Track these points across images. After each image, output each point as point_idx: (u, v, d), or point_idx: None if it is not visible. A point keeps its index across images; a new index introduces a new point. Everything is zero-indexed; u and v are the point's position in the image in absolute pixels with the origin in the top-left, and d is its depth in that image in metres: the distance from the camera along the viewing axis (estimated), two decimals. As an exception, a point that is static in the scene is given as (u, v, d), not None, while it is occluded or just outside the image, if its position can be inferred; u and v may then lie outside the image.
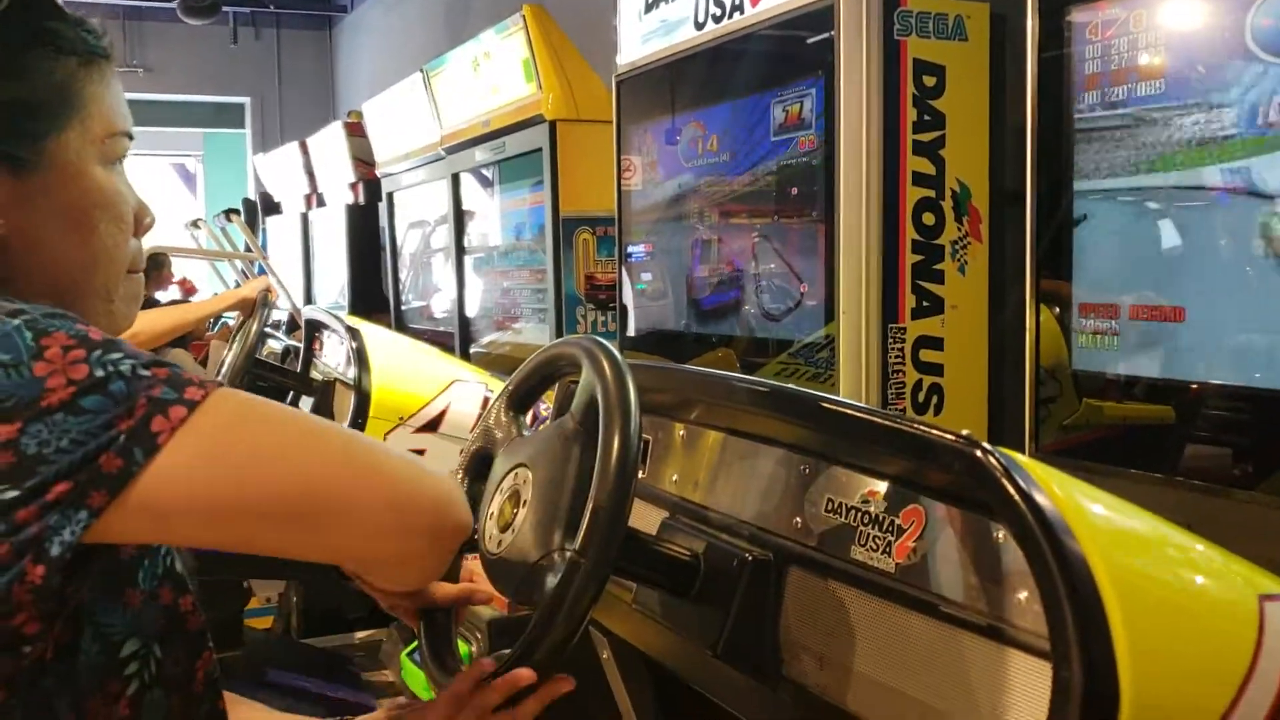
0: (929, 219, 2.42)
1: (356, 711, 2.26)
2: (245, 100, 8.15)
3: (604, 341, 1.00)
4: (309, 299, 5.94)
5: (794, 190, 2.54)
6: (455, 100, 4.24)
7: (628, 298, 3.25)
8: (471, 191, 4.38)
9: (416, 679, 1.75)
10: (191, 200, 8.89)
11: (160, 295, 6.05)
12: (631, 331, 3.29)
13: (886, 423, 0.90)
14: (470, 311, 4.45)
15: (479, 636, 1.64)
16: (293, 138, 6.28)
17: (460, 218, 4.41)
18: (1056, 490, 0.78)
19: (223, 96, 8.15)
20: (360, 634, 3.03)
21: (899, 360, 2.40)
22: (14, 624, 0.71)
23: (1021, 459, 0.81)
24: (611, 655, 1.45)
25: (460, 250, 4.41)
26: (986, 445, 0.80)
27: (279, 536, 0.80)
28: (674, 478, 1.19)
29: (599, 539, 0.87)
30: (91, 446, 0.70)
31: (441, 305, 4.78)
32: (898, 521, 0.90)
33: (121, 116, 0.89)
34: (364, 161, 5.34)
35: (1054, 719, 0.73)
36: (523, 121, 3.76)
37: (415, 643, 1.78)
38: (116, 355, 0.72)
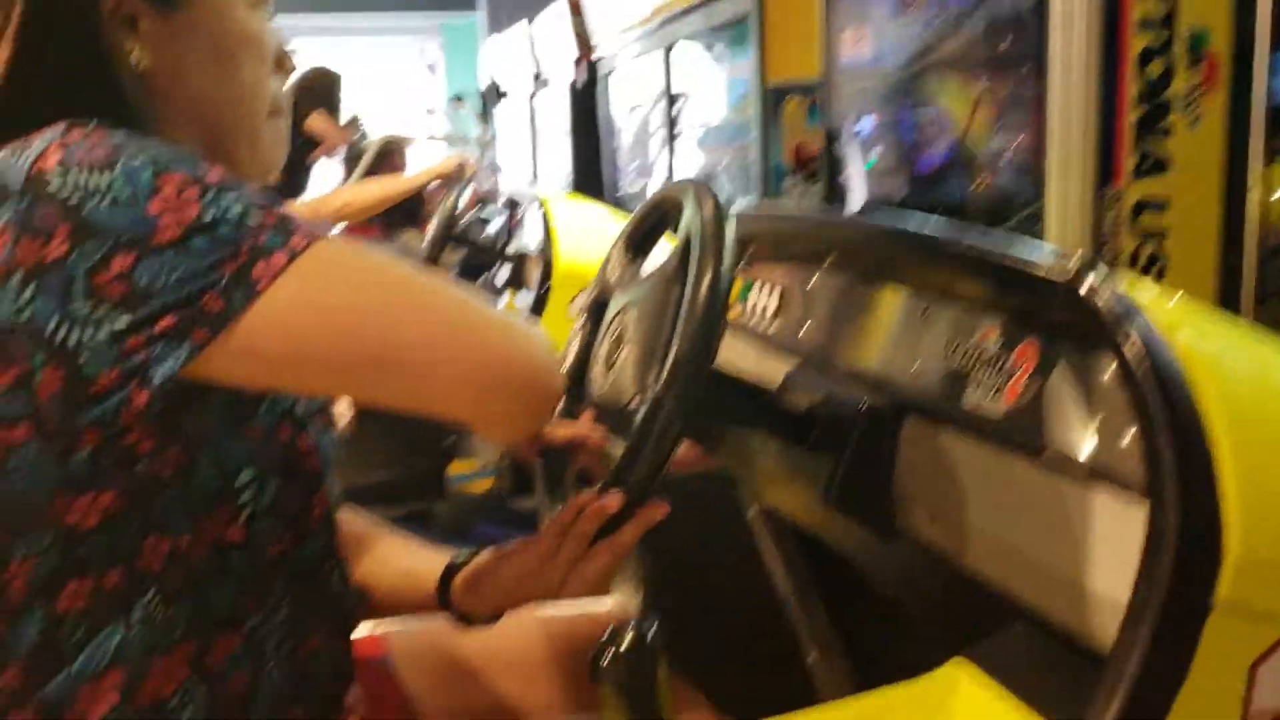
0: (1156, 69, 2.20)
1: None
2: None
3: (707, 184, 0.97)
4: (536, 182, 6.07)
5: (1005, 46, 2.37)
6: (666, -29, 4.16)
7: (851, 168, 3.15)
8: (683, 65, 4.32)
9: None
10: (429, 87, 9.18)
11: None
12: (847, 202, 3.19)
13: (997, 254, 0.82)
14: (682, 189, 4.42)
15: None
16: (525, 18, 6.35)
17: (671, 92, 4.37)
18: (1173, 327, 0.70)
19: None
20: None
21: (1115, 225, 2.22)
22: (126, 442, 0.76)
23: (1143, 294, 0.73)
24: (758, 512, 1.44)
25: (671, 125, 4.38)
26: (1096, 277, 0.72)
27: (372, 388, 0.81)
28: (803, 329, 1.14)
29: (681, 377, 0.85)
30: (197, 286, 0.72)
31: (655, 186, 4.78)
32: (1010, 362, 0.83)
33: None
34: (584, 40, 5.34)
35: (1147, 566, 0.66)
36: (730, -12, 3.66)
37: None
38: (228, 198, 0.74)
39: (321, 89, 5.26)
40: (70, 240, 0.71)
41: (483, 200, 3.20)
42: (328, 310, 0.76)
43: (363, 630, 1.10)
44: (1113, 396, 0.72)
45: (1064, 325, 0.77)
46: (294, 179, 5.35)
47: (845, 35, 3.04)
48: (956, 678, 0.77)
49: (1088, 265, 0.73)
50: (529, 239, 2.92)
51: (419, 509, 2.59)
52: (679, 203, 0.98)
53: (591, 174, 5.50)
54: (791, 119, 3.57)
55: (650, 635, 0.71)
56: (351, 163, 5.47)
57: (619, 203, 5.14)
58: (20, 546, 0.77)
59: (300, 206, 3.32)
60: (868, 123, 3.06)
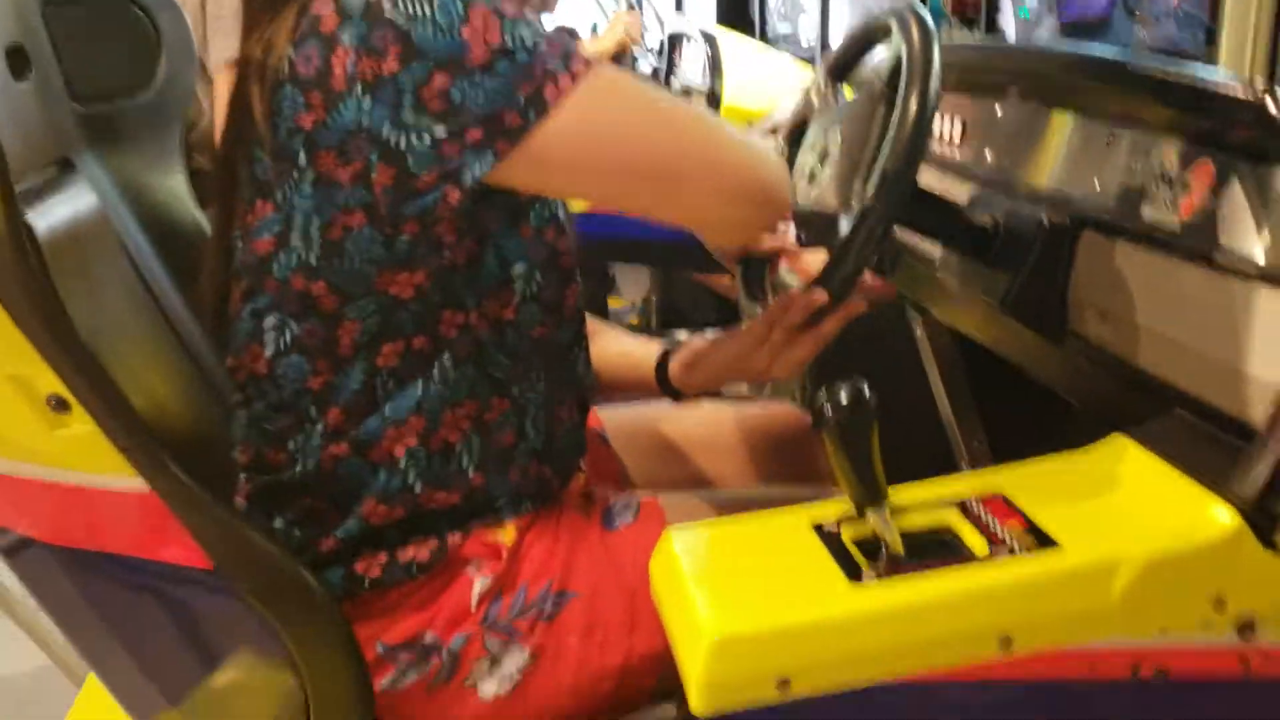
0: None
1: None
2: None
3: (919, 7, 1.06)
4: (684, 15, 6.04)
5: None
6: None
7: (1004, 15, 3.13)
8: (842, -96, 4.25)
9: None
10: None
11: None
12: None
13: (1182, 76, 0.91)
14: (833, 36, 4.40)
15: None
16: None
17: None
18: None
19: None
20: (709, 331, 3.30)
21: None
22: (435, 232, 0.92)
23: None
24: (923, 330, 1.56)
25: (826, -33, 4.33)
26: (1275, 86, 0.81)
27: (635, 195, 0.98)
28: (988, 154, 1.24)
29: (890, 185, 0.96)
30: (499, 104, 0.86)
31: (806, 30, 4.75)
32: (1187, 178, 0.93)
33: None
34: None
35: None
36: None
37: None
38: (523, 28, 0.87)
39: None
40: (400, 59, 0.85)
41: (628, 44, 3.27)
42: (603, 125, 0.91)
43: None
44: (1282, 208, 0.82)
45: (1241, 144, 0.87)
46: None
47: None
48: (1122, 447, 0.90)
49: (1272, 85, 0.82)
50: (690, 74, 3.00)
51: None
52: (886, 28, 1.08)
53: (737, 12, 5.46)
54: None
55: (867, 391, 0.83)
56: None
57: (768, 41, 5.13)
58: (351, 310, 0.94)
59: None
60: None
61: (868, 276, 1.16)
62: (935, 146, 1.35)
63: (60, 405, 0.81)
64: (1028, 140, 1.17)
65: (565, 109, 0.88)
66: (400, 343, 0.96)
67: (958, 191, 1.25)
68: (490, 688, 0.99)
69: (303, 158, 0.90)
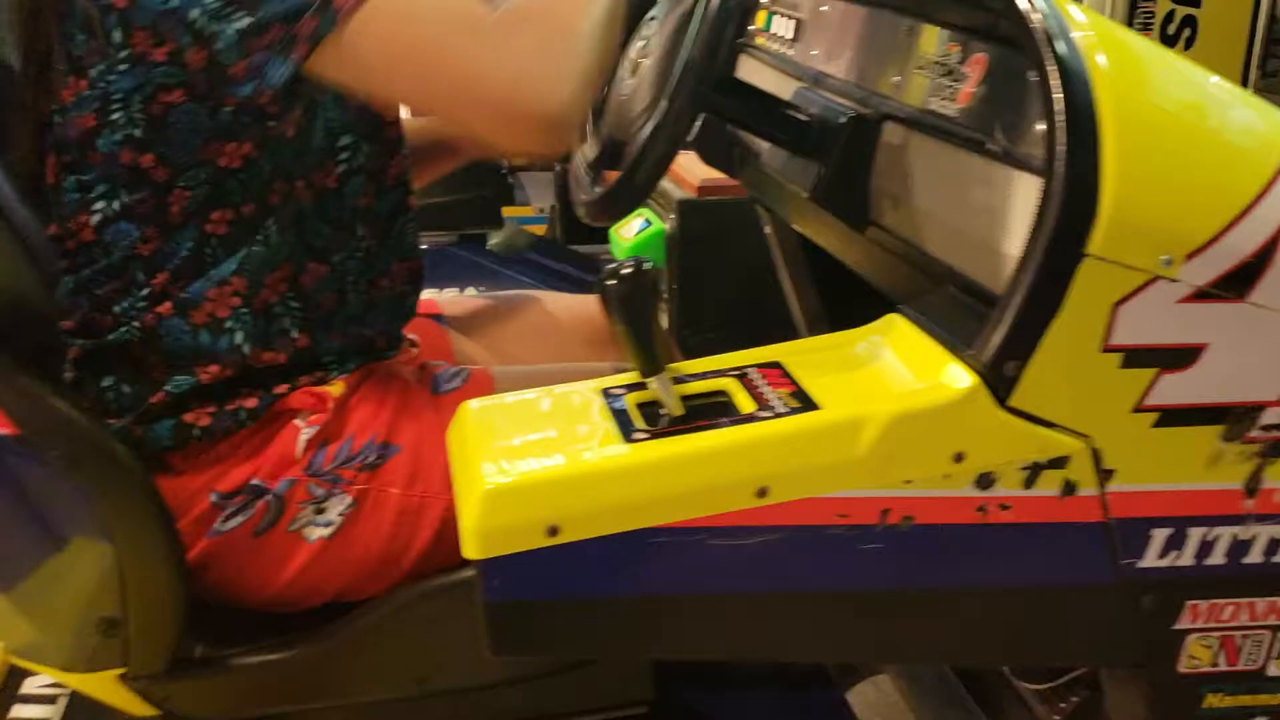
0: None
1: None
2: None
3: None
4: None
5: None
6: None
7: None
8: None
9: (619, 247, 1.99)
10: None
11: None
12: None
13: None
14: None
15: (672, 216, 1.85)
16: None
17: None
18: (1092, 44, 0.85)
19: None
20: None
21: (1152, -12, 2.28)
22: (260, 104, 0.96)
23: (1077, 15, 0.87)
24: (770, 226, 1.62)
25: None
26: (1034, -5, 0.87)
27: (427, 101, 1.02)
28: (815, 51, 1.29)
29: (687, 75, 1.01)
30: (297, 4, 0.90)
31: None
32: (964, 69, 0.99)
33: None
34: None
35: (1039, 225, 0.84)
36: None
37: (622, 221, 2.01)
38: None
39: None
40: None
41: None
42: (391, 37, 0.94)
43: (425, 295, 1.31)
44: (1030, 97, 0.88)
45: (1004, 37, 0.93)
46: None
47: None
48: (893, 323, 0.97)
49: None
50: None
51: (474, 233, 2.79)
52: None
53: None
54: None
55: (647, 267, 0.89)
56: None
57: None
58: (181, 179, 0.98)
59: None
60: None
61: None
62: (773, 45, 1.40)
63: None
64: (848, 37, 1.23)
65: (358, 16, 0.91)
66: (230, 210, 1.01)
67: (787, 87, 1.30)
68: (314, 531, 1.05)
69: (118, 35, 0.93)
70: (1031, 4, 0.87)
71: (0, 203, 1.04)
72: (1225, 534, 0.94)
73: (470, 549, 0.83)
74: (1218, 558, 0.94)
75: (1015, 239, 0.90)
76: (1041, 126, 0.86)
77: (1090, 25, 0.87)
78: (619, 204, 1.09)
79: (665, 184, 1.92)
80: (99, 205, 1.00)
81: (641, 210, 1.98)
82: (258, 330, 1.04)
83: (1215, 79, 0.93)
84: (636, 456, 0.84)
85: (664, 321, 1.93)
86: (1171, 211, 0.85)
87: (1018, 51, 0.91)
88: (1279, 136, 0.92)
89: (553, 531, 0.82)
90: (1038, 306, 0.84)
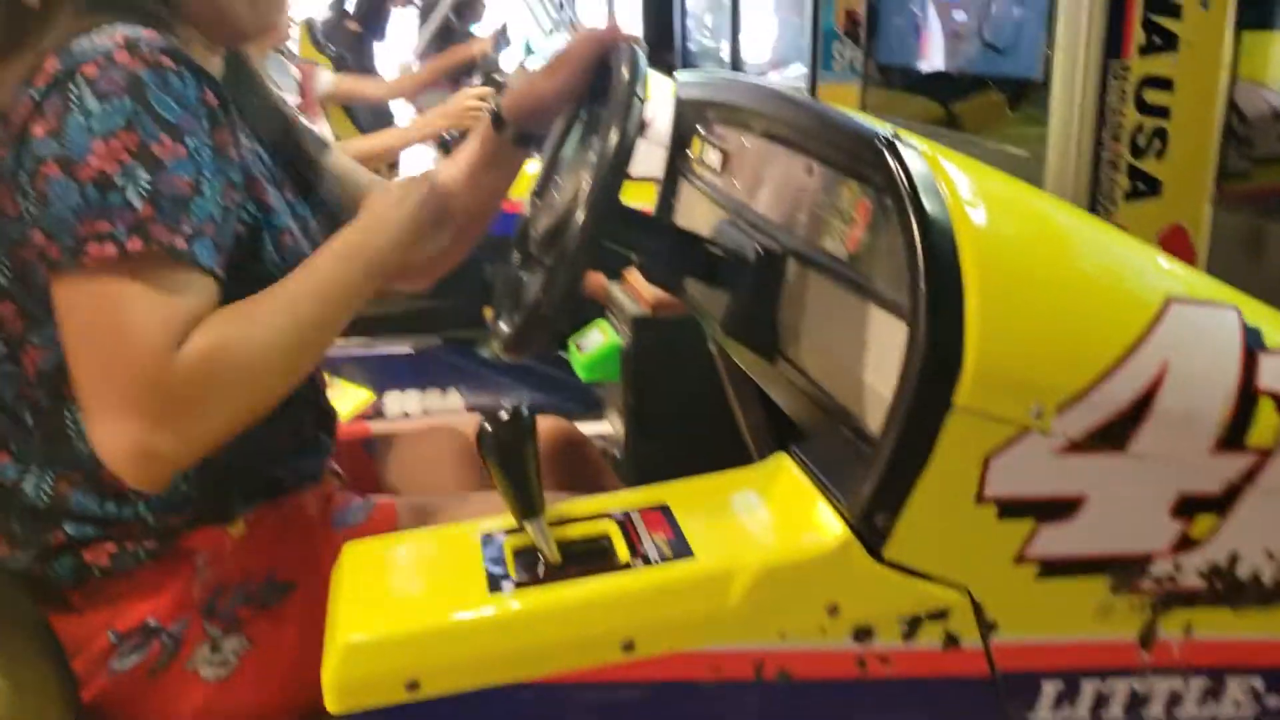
0: (1167, -52, 2.23)
1: (577, 395, 2.54)
2: None
3: (637, 47, 1.12)
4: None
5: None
6: None
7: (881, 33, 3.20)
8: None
9: (577, 362, 1.99)
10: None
11: (475, 30, 6.41)
12: (879, 70, 3.26)
13: (821, 111, 0.98)
14: (744, 51, 4.49)
15: (627, 330, 1.85)
16: None
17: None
18: (951, 177, 0.86)
19: None
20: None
21: (1120, 100, 2.29)
22: None
23: (937, 151, 0.88)
24: (716, 348, 1.62)
25: (736, -15, 4.42)
26: (897, 138, 0.88)
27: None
28: (736, 183, 1.30)
29: (590, 211, 1.02)
30: (65, 225, 0.89)
31: (724, 47, 4.83)
32: (853, 214, 0.99)
33: None
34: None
35: (905, 376, 0.83)
36: None
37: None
38: (143, 178, 0.89)
39: None
40: (47, 132, 0.91)
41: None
42: (83, 303, 0.91)
43: (350, 418, 1.32)
44: (902, 245, 0.88)
45: (883, 186, 0.93)
46: (373, 25, 5.50)
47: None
48: (780, 464, 0.96)
49: (895, 137, 0.88)
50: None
51: (459, 336, 2.81)
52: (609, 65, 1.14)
53: (663, 29, 5.55)
54: (843, -17, 3.62)
55: (525, 416, 0.89)
56: (427, 11, 5.59)
57: (689, 56, 5.22)
58: (34, 334, 0.99)
59: (347, 82, 3.44)
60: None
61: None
62: (702, 173, 1.41)
63: None
64: (764, 173, 1.24)
65: (98, 272, 0.89)
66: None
67: (711, 216, 1.31)
68: (210, 671, 1.03)
69: None
70: (898, 155, 0.88)
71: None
72: (1122, 687, 0.91)
73: (332, 703, 0.81)
74: (1115, 711, 0.92)
75: (884, 380, 0.90)
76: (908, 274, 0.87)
77: (962, 177, 0.88)
78: (526, 340, 1.10)
79: (622, 298, 1.94)
80: None
81: (599, 323, 1.99)
82: (158, 499, 1.03)
83: (1098, 226, 0.93)
84: (500, 609, 0.84)
85: (618, 433, 1.94)
86: (1040, 363, 0.84)
87: (889, 201, 0.91)
88: (1159, 282, 0.91)
89: (412, 686, 0.81)
90: (907, 457, 0.83)
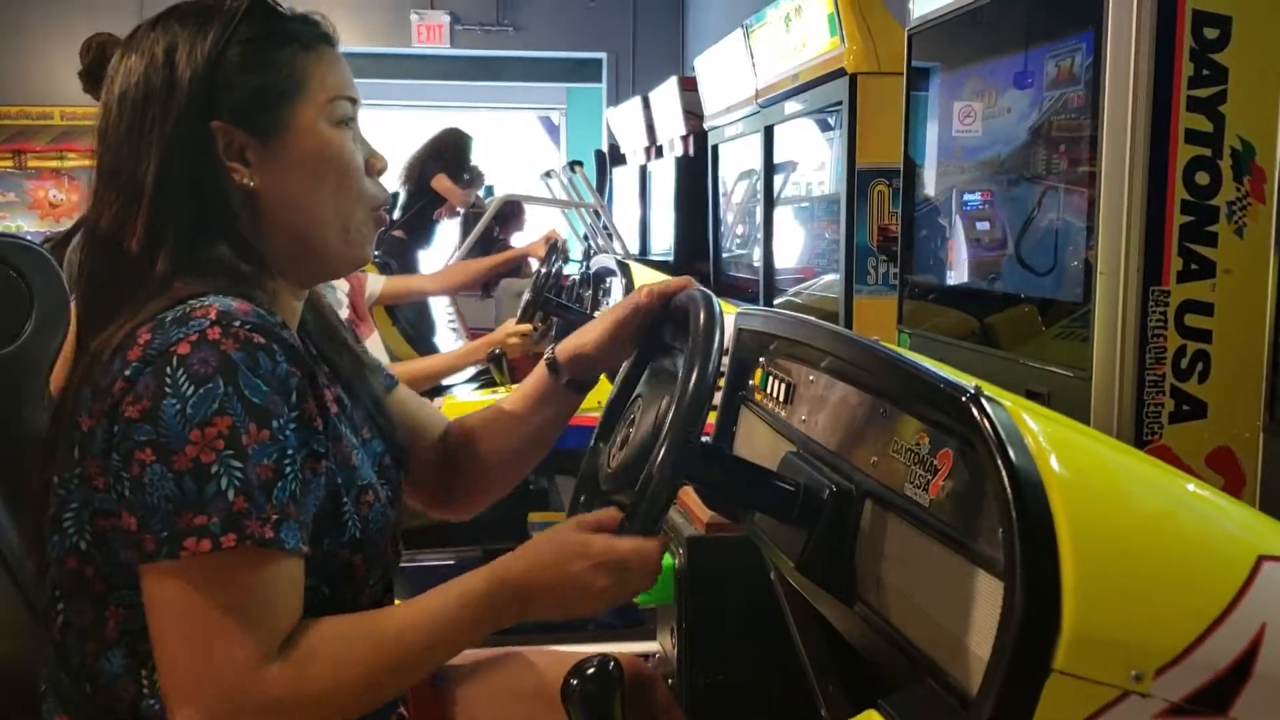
0: (1203, 179, 2.31)
1: (620, 613, 2.52)
2: (602, 56, 8.66)
3: (709, 296, 1.16)
4: (644, 246, 6.31)
5: (1064, 148, 2.51)
6: (769, 55, 4.39)
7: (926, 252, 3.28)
8: (782, 144, 4.53)
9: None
10: (554, 151, 9.57)
11: (515, 239, 6.63)
12: (913, 284, 3.33)
13: (898, 361, 1.01)
14: (778, 261, 4.61)
15: (680, 551, 1.84)
16: (643, 92, 6.65)
17: (770, 169, 4.57)
18: (1044, 450, 0.87)
19: (583, 52, 8.69)
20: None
21: (1160, 324, 2.33)
22: None
23: (1019, 404, 0.90)
24: (775, 575, 1.61)
25: (769, 202, 4.57)
26: (982, 394, 0.90)
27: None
28: (804, 417, 1.33)
29: (668, 459, 1.04)
30: (160, 514, 0.91)
31: (756, 255, 4.96)
32: (935, 462, 1.00)
33: (341, 84, 1.11)
34: (695, 115, 5.59)
35: (1002, 637, 0.83)
36: (826, 75, 3.86)
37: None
38: (236, 465, 0.92)
39: (451, 150, 5.63)
40: (142, 416, 0.93)
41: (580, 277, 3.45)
42: (184, 592, 0.92)
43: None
44: (992, 500, 0.89)
45: (966, 438, 0.95)
46: (421, 233, 5.70)
47: (925, 124, 3.21)
48: (869, 721, 0.95)
49: (978, 391, 0.91)
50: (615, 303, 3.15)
51: (498, 549, 2.80)
52: (685, 311, 1.18)
53: (697, 239, 5.72)
54: (877, 201, 3.74)
55: (611, 668, 0.89)
56: (470, 221, 5.81)
57: (720, 266, 5.36)
58: (115, 596, 0.99)
59: (395, 281, 3.59)
60: (927, 207, 3.22)
61: None
62: (768, 406, 1.44)
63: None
64: (831, 409, 1.26)
65: (191, 565, 0.91)
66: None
67: (778, 449, 1.33)
68: None
69: (76, 452, 0.98)
70: (984, 409, 0.89)
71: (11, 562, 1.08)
72: None
73: None
74: None
75: (985, 642, 0.89)
76: (999, 531, 0.87)
77: (1045, 430, 0.89)
78: None
79: (675, 518, 1.93)
80: (55, 611, 1.03)
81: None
82: None
83: (1182, 480, 0.94)
84: None
85: (671, 656, 1.90)
86: (1138, 624, 0.83)
87: (975, 454, 0.93)
88: (1250, 539, 0.91)
89: None
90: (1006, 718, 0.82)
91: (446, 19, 8.32)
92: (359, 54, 9.26)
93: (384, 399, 1.26)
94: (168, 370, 0.93)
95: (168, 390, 0.93)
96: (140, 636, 0.98)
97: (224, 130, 1.05)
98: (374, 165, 1.15)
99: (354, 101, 1.13)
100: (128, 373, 0.94)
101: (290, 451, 0.96)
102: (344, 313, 3.16)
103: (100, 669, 1.01)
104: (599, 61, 8.82)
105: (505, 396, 1.37)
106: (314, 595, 1.00)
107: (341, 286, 3.29)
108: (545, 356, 1.31)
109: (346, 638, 0.96)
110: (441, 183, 5.45)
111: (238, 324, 0.96)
